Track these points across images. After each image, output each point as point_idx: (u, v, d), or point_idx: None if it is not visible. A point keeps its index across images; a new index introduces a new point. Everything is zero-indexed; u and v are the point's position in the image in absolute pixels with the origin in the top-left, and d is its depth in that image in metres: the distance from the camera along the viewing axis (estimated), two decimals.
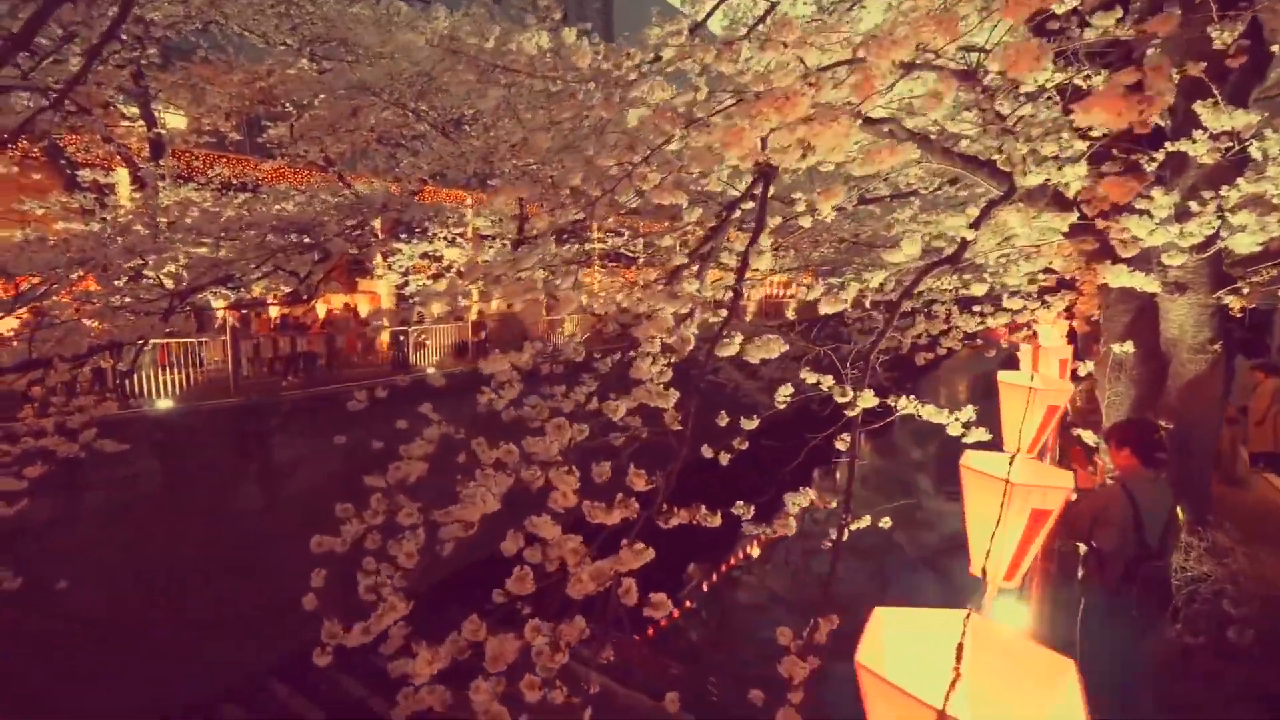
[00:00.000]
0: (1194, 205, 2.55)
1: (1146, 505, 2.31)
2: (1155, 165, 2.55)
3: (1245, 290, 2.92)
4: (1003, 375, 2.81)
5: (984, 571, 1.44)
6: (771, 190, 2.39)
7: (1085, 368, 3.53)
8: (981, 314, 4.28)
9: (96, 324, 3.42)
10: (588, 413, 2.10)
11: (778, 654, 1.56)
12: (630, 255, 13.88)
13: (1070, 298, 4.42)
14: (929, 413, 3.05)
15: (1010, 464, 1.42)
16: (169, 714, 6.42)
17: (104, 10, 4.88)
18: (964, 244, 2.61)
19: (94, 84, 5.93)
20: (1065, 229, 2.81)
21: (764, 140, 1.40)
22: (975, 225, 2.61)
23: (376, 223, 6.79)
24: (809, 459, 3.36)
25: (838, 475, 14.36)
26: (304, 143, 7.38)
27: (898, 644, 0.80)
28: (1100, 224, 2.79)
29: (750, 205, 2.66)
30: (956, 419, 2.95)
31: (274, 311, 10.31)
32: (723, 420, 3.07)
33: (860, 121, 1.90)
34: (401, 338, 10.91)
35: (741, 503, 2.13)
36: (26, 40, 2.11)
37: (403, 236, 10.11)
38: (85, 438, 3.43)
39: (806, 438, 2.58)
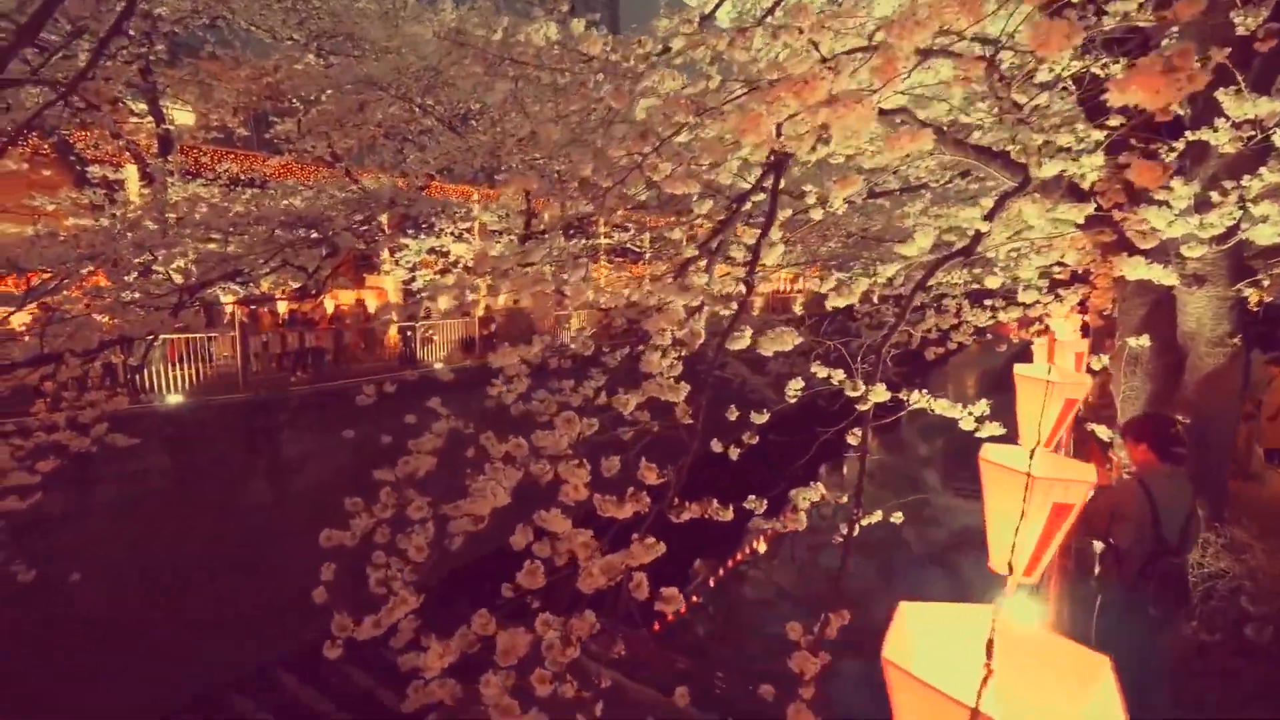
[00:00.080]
0: (1215, 195, 2.50)
1: (1164, 501, 2.27)
2: (1175, 155, 2.51)
3: (1266, 283, 2.87)
4: (1019, 368, 2.77)
5: (1010, 567, 1.41)
6: (782, 183, 2.36)
7: (1100, 362, 3.48)
8: (993, 308, 4.23)
9: (107, 319, 3.43)
10: (596, 407, 2.09)
11: (785, 649, 1.55)
12: (636, 250, 13.85)
13: (1084, 291, 4.35)
14: (942, 407, 3.02)
15: (1030, 457, 1.40)
16: (175, 711, 6.49)
17: (111, 5, 4.89)
18: (978, 236, 2.57)
19: (102, 79, 5.94)
20: (1081, 220, 2.76)
21: (778, 128, 1.37)
22: (989, 217, 2.57)
23: (384, 218, 6.80)
24: (815, 454, 3.33)
25: (844, 470, 14.36)
26: (311, 138, 7.39)
27: (923, 639, 0.78)
28: (1117, 215, 2.75)
29: (760, 198, 2.64)
30: (970, 413, 2.91)
31: (282, 307, 10.35)
32: (732, 415, 3.05)
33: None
34: (409, 333, 10.94)
35: (754, 497, 2.11)
36: (33, 32, 2.11)
37: (409, 232, 10.13)
38: (96, 432, 3.45)
39: (817, 432, 2.56)
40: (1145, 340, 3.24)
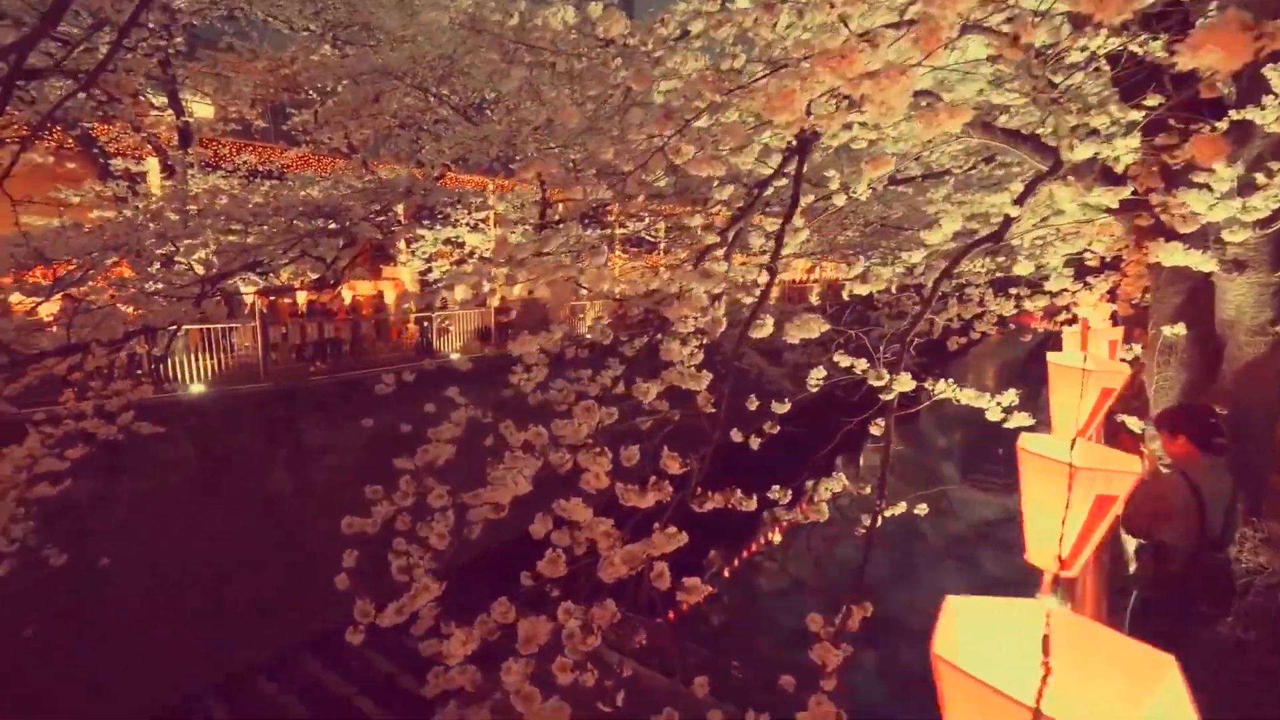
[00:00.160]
0: (1260, 178, 2.40)
1: (1209, 493, 2.20)
2: (1218, 135, 2.40)
3: None
4: (1052, 356, 2.69)
5: (1060, 560, 1.37)
6: (804, 167, 2.30)
7: (1132, 351, 3.38)
8: (1017, 297, 4.12)
9: (132, 309, 3.48)
10: (615, 396, 2.07)
11: (800, 640, 1.53)
12: (651, 240, 13.78)
13: (1114, 279, 4.23)
14: (968, 396, 2.95)
15: (1071, 447, 1.35)
16: (203, 691, 6.66)
17: None
18: (1007, 221, 2.50)
19: (123, 72, 6.01)
20: (1115, 204, 2.67)
21: (808, 107, 1.33)
22: (1020, 201, 2.49)
23: (400, 208, 6.82)
24: (832, 445, 3.29)
25: (861, 461, 14.25)
26: (328, 129, 7.43)
27: (972, 635, 0.75)
28: (1154, 199, 2.65)
29: (781, 183, 2.58)
30: (998, 403, 2.85)
31: (301, 299, 10.46)
32: (752, 404, 3.01)
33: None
34: (425, 323, 11.01)
35: (777, 487, 2.08)
36: (54, 20, 2.12)
37: (425, 223, 10.16)
38: (123, 420, 3.52)
39: (841, 421, 2.52)
40: (1180, 329, 3.13)
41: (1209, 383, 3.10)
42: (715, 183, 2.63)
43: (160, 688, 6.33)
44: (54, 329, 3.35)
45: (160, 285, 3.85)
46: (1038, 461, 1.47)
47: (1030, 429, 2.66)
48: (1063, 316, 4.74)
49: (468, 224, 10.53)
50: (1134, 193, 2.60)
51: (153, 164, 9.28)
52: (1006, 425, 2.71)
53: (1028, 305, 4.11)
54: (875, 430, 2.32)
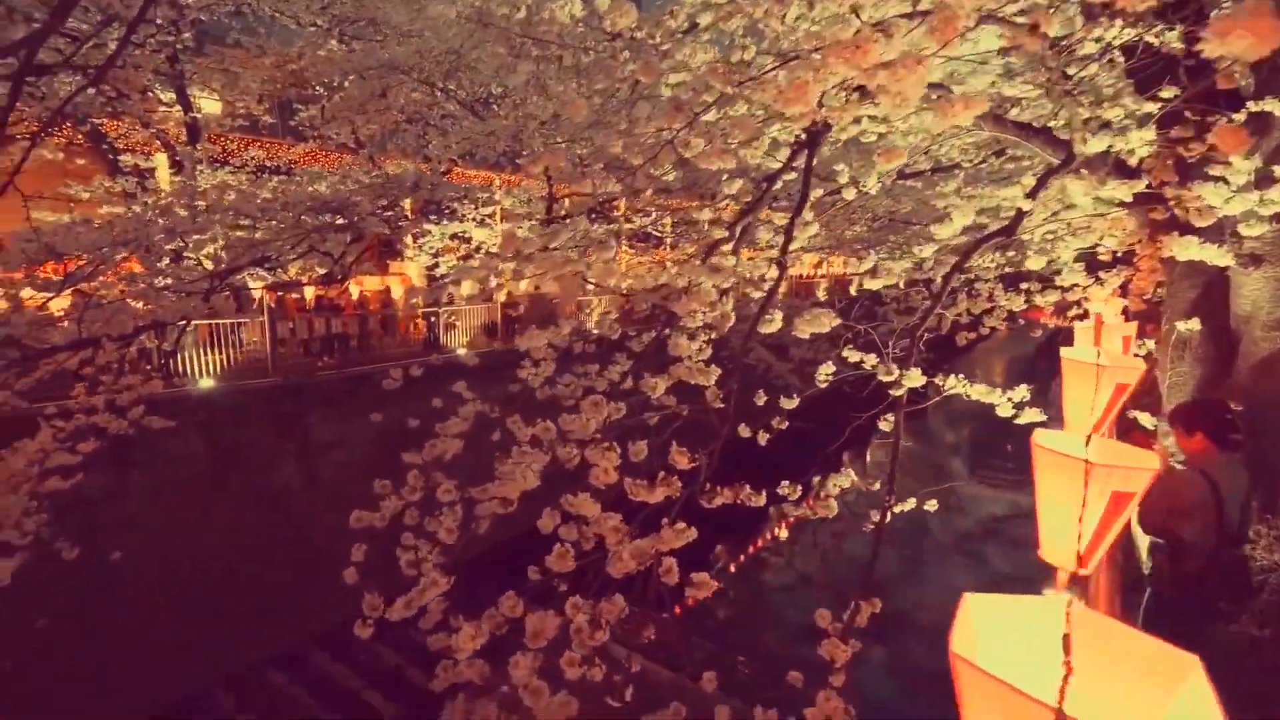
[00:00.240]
0: (1277, 170, 2.36)
1: (1226, 489, 2.17)
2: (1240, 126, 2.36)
3: None
4: (1065, 351, 2.66)
5: (1079, 558, 1.35)
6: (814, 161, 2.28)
7: (1144, 347, 3.34)
8: (1028, 292, 4.08)
9: (141, 304, 3.50)
10: (623, 391, 2.06)
11: (807, 635, 1.52)
12: (658, 236, 13.74)
13: (1126, 274, 4.18)
14: (979, 392, 2.93)
15: (1086, 443, 1.33)
16: (214, 683, 6.72)
17: None
18: (1019, 215, 2.47)
19: (131, 67, 6.03)
20: (1129, 198, 2.63)
21: (820, 99, 1.31)
22: (1032, 195, 2.47)
23: (407, 203, 6.82)
24: (839, 441, 3.27)
25: (868, 457, 14.20)
26: (335, 124, 7.43)
27: (991, 633, 0.74)
28: (1169, 192, 2.61)
29: (790, 177, 2.56)
30: (1009, 399, 2.82)
31: (309, 293, 10.50)
32: (760, 400, 3.00)
33: None
34: (432, 319, 11.03)
35: (787, 483, 2.07)
36: (64, 15, 2.12)
37: (432, 218, 10.16)
38: (134, 415, 3.54)
39: (850, 417, 2.50)
40: (1195, 324, 3.09)
41: (1224, 378, 3.06)
42: (724, 177, 2.61)
43: (163, 686, 6.39)
44: (65, 324, 3.37)
45: (169, 280, 3.87)
46: (1053, 458, 1.46)
47: (1042, 425, 2.64)
48: (1074, 312, 4.69)
49: (475, 219, 10.53)
50: (1148, 186, 2.57)
51: (161, 160, 9.33)
52: (1017, 421, 2.69)
53: (1038, 300, 4.06)
54: (884, 426, 2.30)
